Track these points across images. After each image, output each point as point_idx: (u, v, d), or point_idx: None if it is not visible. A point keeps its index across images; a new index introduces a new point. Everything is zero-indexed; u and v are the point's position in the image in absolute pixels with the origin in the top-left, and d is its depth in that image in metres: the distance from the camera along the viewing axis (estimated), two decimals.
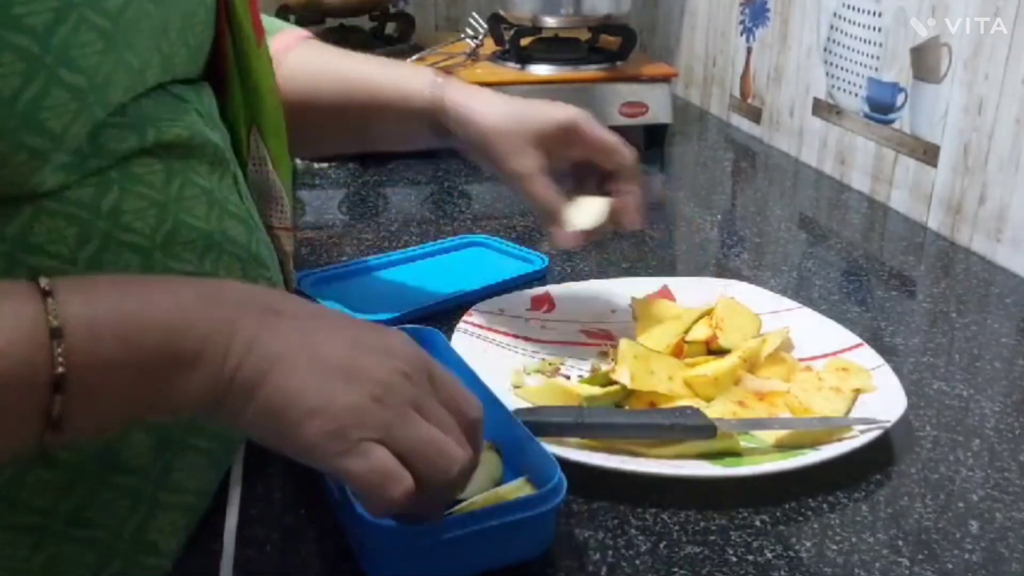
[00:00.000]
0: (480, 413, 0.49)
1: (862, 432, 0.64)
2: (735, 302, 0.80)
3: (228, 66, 0.59)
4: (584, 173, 0.77)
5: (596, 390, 0.69)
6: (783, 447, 0.64)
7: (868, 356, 0.73)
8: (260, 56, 0.62)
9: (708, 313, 0.79)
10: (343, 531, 0.55)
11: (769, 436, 0.65)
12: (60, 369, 0.38)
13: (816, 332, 0.78)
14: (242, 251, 0.55)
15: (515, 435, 0.58)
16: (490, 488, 0.56)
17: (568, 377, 0.74)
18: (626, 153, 0.74)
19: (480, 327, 0.78)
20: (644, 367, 0.69)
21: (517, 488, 0.56)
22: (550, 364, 0.75)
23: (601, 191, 0.76)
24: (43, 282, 0.40)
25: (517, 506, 0.52)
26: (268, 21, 0.78)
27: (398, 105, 0.77)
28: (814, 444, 0.63)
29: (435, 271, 0.93)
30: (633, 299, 0.83)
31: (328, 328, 0.46)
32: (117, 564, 0.49)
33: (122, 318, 0.41)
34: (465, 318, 0.78)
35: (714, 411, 0.66)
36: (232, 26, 0.59)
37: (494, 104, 0.74)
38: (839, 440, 0.63)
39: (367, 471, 0.43)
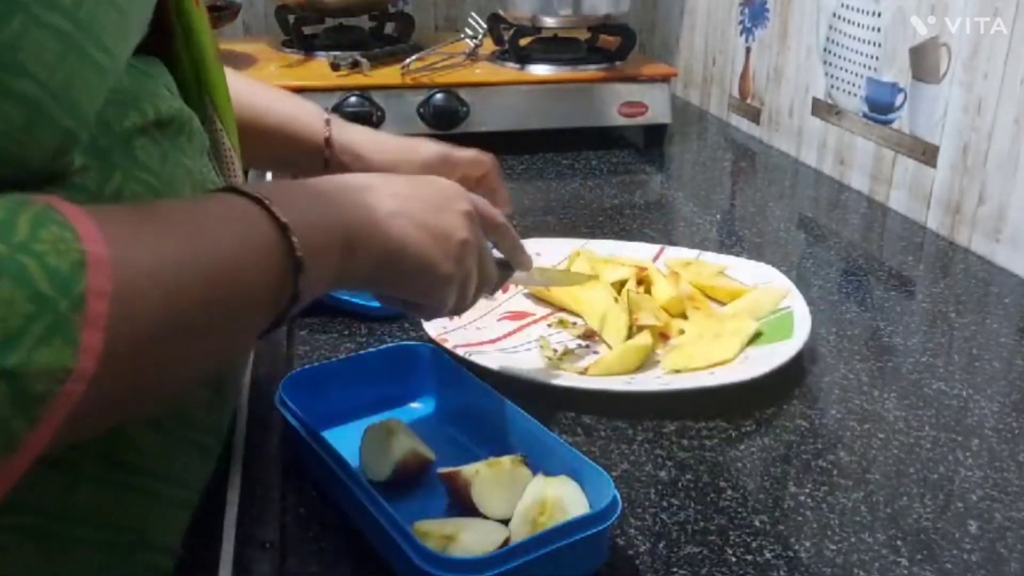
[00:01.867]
0: (500, 215, 0.65)
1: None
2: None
3: (171, 30, 0.57)
4: None
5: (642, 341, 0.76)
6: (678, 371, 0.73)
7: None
8: (200, 16, 0.60)
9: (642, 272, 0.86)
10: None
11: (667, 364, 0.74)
12: (299, 254, 0.49)
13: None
14: None
15: (555, 449, 0.58)
16: (518, 500, 0.55)
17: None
18: (487, 159, 0.84)
19: (468, 345, 0.76)
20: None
21: (565, 488, 0.55)
22: (553, 350, 0.78)
23: None
24: (252, 191, 0.50)
25: (575, 527, 0.51)
26: None
27: (286, 134, 0.81)
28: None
29: None
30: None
31: (416, 194, 0.60)
32: (119, 564, 0.50)
33: (317, 217, 0.53)
34: (446, 345, 0.75)
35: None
36: None
37: (380, 142, 0.82)
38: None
39: (459, 295, 0.61)
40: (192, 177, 0.54)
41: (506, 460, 0.57)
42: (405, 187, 0.60)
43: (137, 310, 0.41)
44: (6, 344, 0.36)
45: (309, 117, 0.81)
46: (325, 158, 0.80)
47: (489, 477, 0.56)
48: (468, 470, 0.56)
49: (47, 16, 0.42)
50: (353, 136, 0.81)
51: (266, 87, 0.84)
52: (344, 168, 0.80)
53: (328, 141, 0.80)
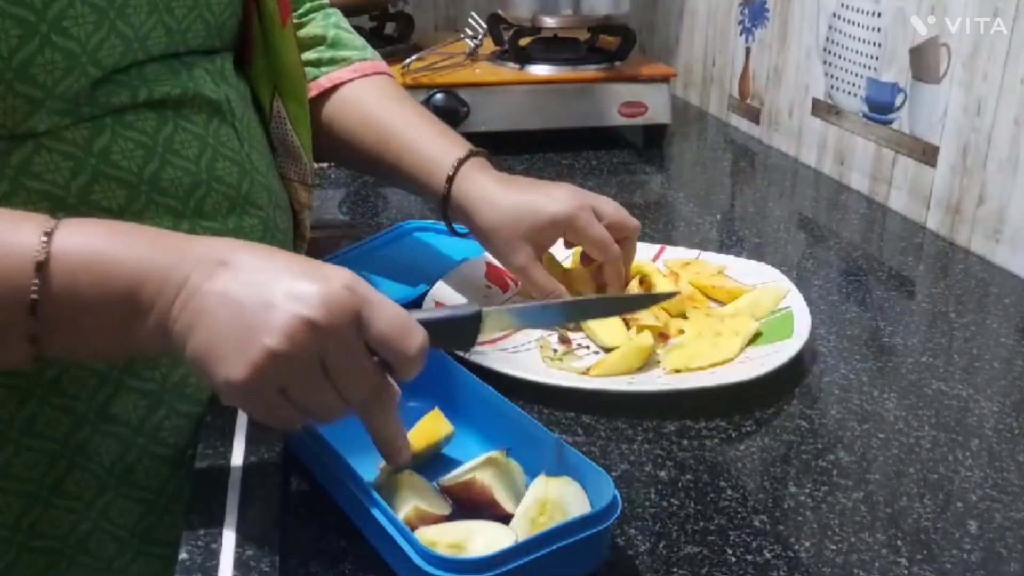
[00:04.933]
0: (418, 345, 0.51)
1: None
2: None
3: (254, 40, 0.70)
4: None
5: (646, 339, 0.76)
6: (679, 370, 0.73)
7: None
8: (284, 35, 0.72)
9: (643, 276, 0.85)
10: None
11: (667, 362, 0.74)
12: (34, 296, 0.48)
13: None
14: (231, 190, 0.65)
15: (556, 449, 0.58)
16: (513, 496, 0.55)
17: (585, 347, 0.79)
18: (613, 251, 0.79)
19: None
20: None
21: (568, 488, 0.55)
22: (554, 349, 0.78)
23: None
24: (52, 221, 0.49)
25: (575, 527, 0.51)
26: (355, 44, 0.86)
27: (419, 176, 0.82)
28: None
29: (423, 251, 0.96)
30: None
31: (263, 280, 0.49)
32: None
33: (98, 262, 0.49)
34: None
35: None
36: (259, 7, 0.70)
37: (494, 203, 0.78)
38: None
39: (264, 415, 0.51)
40: (202, 142, 0.63)
41: (498, 456, 0.57)
42: (257, 261, 0.50)
43: None
44: None
45: (438, 169, 0.80)
46: (446, 213, 0.82)
47: (497, 475, 0.56)
48: (480, 476, 0.56)
49: (12, 8, 0.51)
50: (470, 192, 0.79)
51: (417, 117, 0.84)
52: (464, 222, 0.81)
53: (446, 198, 0.80)
